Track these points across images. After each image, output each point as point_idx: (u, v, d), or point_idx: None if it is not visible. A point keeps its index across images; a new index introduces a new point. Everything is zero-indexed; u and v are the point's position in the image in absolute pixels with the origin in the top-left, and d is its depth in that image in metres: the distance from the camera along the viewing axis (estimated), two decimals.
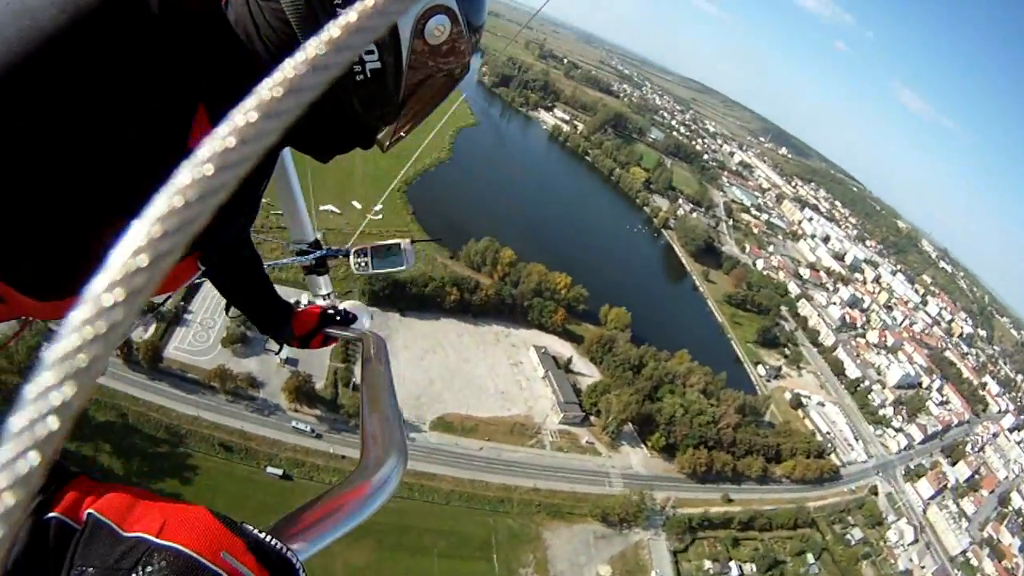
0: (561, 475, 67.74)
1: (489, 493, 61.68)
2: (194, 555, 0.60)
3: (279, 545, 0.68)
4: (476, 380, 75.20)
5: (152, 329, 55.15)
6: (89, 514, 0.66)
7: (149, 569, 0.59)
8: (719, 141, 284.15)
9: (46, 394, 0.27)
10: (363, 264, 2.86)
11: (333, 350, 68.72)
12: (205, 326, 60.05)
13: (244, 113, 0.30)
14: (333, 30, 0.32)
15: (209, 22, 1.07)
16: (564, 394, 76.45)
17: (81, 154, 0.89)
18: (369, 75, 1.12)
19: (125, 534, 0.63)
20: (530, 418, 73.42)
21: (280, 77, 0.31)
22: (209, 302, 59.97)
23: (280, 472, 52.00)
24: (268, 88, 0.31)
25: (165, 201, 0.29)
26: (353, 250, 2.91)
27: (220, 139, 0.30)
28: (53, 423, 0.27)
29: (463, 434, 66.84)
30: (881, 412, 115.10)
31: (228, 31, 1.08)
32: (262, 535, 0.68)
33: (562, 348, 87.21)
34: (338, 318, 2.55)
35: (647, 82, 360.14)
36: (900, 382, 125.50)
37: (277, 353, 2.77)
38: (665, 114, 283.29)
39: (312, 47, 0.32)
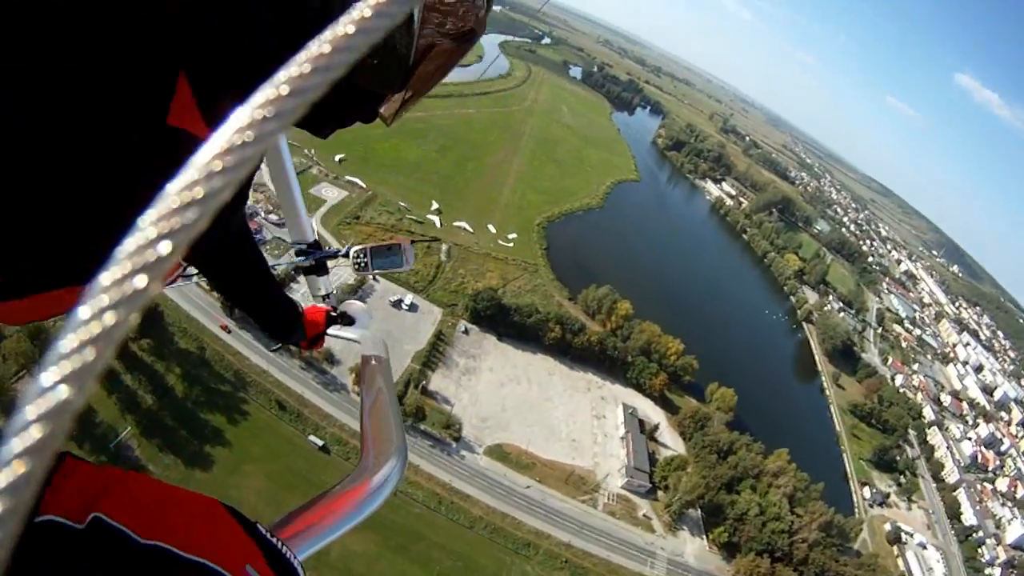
0: (602, 540, 62.24)
1: (518, 533, 58.06)
2: (224, 572, 0.56)
3: (284, 549, 0.66)
4: (550, 421, 72.52)
5: None
6: (95, 517, 0.58)
7: None
8: (888, 246, 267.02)
9: (46, 394, 0.26)
10: (362, 264, 2.72)
11: (417, 354, 70.26)
12: (305, 298, 63.55)
13: (265, 94, 0.29)
14: (364, 10, 0.31)
15: None
16: (637, 460, 70.89)
17: (46, 133, 0.76)
18: None
19: (142, 541, 0.57)
20: (592, 473, 68.78)
21: (307, 55, 0.30)
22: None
23: (321, 443, 53.06)
24: (296, 66, 0.30)
25: (169, 198, 0.28)
26: (352, 250, 2.78)
27: (232, 131, 0.29)
28: (53, 424, 0.26)
29: (516, 468, 64.14)
30: (988, 571, 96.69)
31: None
32: (272, 539, 0.66)
33: (653, 414, 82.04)
34: (339, 320, 2.49)
35: (828, 174, 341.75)
36: (1019, 541, 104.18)
37: (275, 350, 2.66)
38: (839, 209, 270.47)
39: (343, 25, 0.30)
